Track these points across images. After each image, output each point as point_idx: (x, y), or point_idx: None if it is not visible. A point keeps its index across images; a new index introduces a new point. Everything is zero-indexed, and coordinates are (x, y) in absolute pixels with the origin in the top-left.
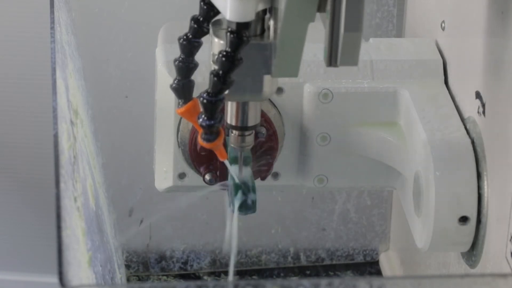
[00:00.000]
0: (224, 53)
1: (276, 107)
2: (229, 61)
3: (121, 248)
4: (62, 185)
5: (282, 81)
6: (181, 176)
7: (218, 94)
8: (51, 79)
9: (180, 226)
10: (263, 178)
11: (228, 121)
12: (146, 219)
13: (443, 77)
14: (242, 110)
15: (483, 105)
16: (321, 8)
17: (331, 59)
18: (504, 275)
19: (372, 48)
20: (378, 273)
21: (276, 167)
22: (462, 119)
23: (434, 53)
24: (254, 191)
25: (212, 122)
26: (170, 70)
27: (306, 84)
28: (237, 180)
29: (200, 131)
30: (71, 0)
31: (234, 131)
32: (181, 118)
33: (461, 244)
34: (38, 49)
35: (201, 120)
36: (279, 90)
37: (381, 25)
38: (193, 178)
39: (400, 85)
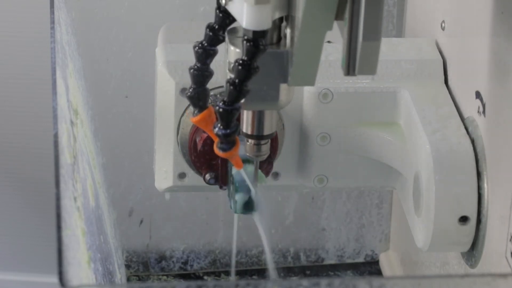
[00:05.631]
0: (241, 61)
1: None
2: (245, 70)
3: (121, 248)
4: (62, 185)
5: None
6: (181, 176)
7: (234, 103)
8: (51, 79)
9: (180, 226)
10: None
11: (244, 130)
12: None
13: (443, 77)
14: (258, 119)
15: (483, 105)
16: (338, 16)
17: (349, 68)
18: (504, 275)
19: None
20: (378, 273)
21: (276, 167)
22: (462, 119)
23: (434, 53)
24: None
25: (228, 131)
26: (170, 70)
27: None
28: (251, 189)
29: (216, 140)
30: (71, 0)
31: (249, 140)
32: (181, 117)
33: (461, 244)
34: (38, 49)
35: (217, 129)
36: None
37: None
38: (193, 178)
39: (400, 85)
